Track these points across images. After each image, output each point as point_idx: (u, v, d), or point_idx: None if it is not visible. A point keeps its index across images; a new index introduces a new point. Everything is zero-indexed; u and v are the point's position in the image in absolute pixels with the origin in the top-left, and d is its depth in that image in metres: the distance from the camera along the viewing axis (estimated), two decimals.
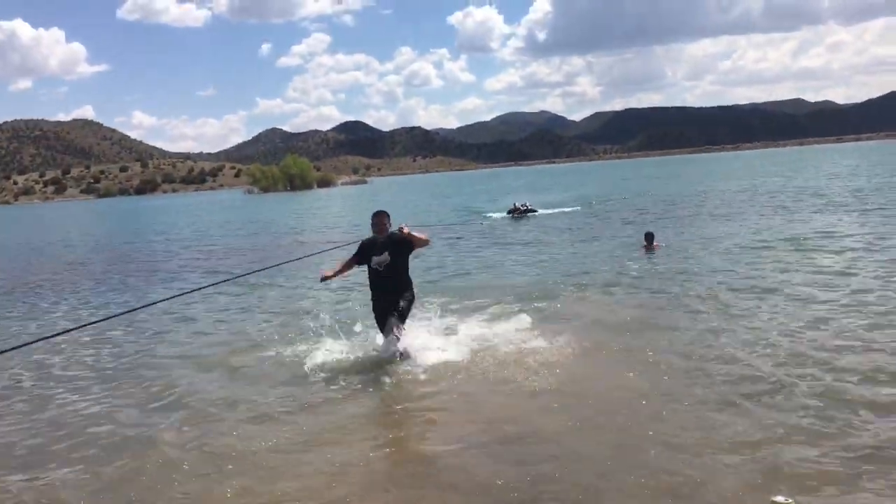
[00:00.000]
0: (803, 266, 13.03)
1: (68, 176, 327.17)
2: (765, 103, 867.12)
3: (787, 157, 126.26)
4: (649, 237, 17.44)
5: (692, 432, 5.71)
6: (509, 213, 31.71)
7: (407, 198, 66.63)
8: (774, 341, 8.15)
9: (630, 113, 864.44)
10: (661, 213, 27.92)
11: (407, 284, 8.40)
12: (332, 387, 7.62)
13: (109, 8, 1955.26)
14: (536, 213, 31.34)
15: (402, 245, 8.33)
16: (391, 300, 8.22)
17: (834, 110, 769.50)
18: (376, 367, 8.08)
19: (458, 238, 22.87)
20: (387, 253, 8.27)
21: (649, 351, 8.16)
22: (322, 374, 8.02)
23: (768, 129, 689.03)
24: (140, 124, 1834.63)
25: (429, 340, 8.55)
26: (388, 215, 8.54)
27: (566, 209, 33.48)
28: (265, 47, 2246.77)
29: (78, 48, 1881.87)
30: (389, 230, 8.46)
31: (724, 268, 13.61)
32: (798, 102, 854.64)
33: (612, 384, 7.15)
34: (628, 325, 9.54)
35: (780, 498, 2.06)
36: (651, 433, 5.75)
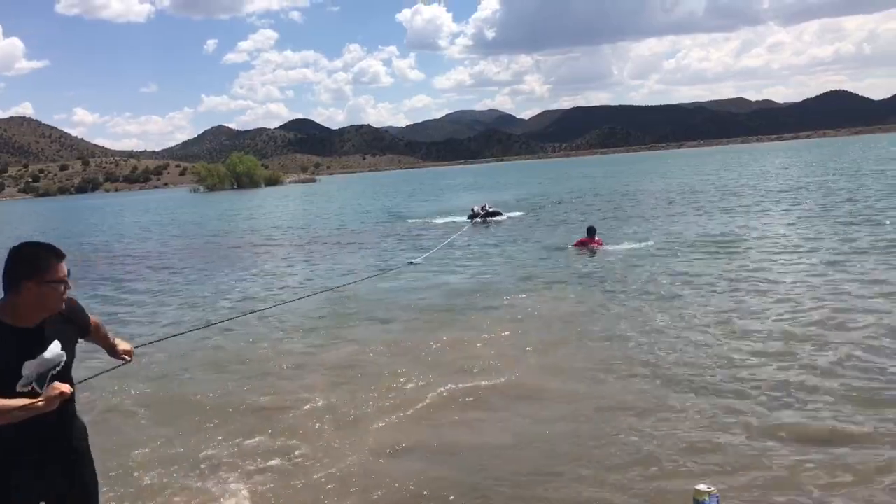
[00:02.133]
0: (729, 263, 13.91)
1: (6, 175, 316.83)
2: (708, 102, 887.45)
3: (728, 154, 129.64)
4: (591, 231, 17.54)
5: (624, 425, 6.19)
6: (470, 218, 27.90)
7: (349, 198, 66.41)
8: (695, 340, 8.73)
9: (578, 111, 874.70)
10: (603, 211, 28.77)
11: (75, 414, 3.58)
12: None
13: (48, 2, 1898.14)
14: (502, 218, 28.13)
15: (80, 327, 3.58)
16: (62, 458, 3.44)
17: (774, 109, 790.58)
18: None
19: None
20: (58, 345, 3.36)
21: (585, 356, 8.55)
22: None
23: (712, 128, 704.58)
24: (81, 121, 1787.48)
25: None
26: (60, 254, 3.34)
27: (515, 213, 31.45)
28: (210, 43, 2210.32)
29: (16, 43, 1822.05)
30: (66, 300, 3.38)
31: (658, 266, 14.28)
32: (740, 101, 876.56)
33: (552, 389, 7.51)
34: (563, 327, 10.01)
35: (702, 486, 2.24)
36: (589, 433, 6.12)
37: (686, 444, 5.70)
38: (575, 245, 17.56)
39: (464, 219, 28.72)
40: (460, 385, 7.54)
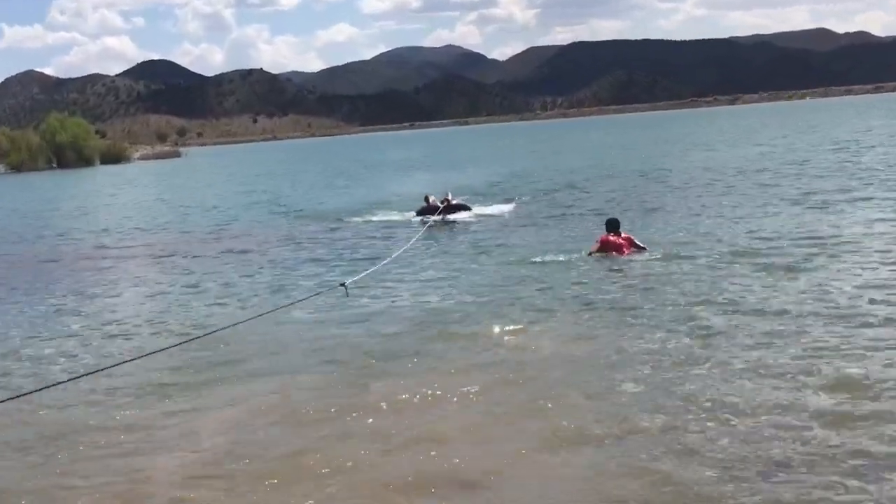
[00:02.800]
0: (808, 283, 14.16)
1: None
2: (773, 35, 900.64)
3: (804, 113, 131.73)
4: (613, 225, 17.92)
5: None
6: (422, 214, 28.26)
7: (231, 181, 66.18)
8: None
9: (580, 49, 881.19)
10: (623, 203, 29.05)
11: None
12: None
13: None
14: (468, 216, 28.31)
15: None
16: None
17: (870, 45, 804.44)
18: None
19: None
20: None
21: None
22: None
23: (780, 74, 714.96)
24: None
25: None
26: None
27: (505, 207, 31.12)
28: None
29: None
30: None
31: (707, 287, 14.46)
32: (821, 34, 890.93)
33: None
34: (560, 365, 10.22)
35: None
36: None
37: None
38: (594, 251, 17.79)
39: (411, 215, 28.94)
40: (393, 480, 7.51)
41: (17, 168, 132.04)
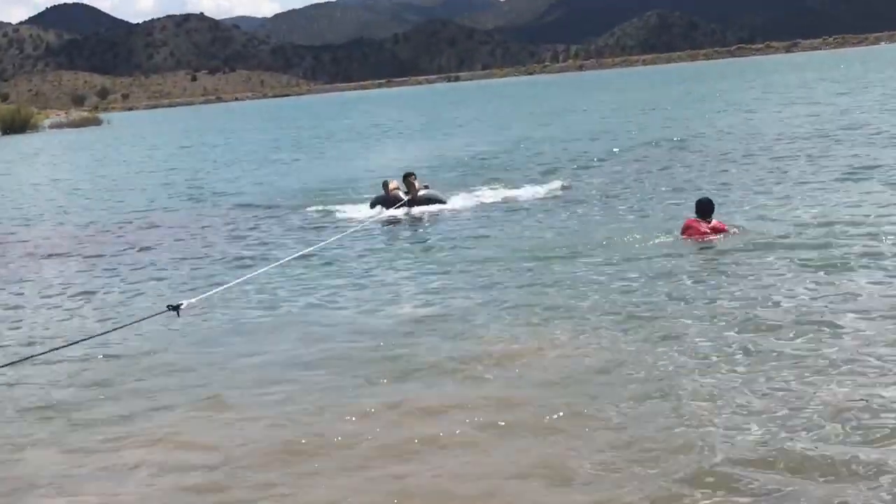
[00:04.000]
0: None
1: None
2: None
3: (878, 62, 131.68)
4: (704, 208, 17.69)
5: None
6: (376, 205, 26.87)
7: (158, 154, 65.84)
8: None
9: None
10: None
11: None
12: None
13: None
14: (441, 209, 26.41)
15: None
16: None
17: None
18: None
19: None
20: None
21: None
22: None
23: (844, 16, 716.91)
24: None
25: None
26: None
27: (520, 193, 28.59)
28: None
29: None
30: None
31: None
32: None
33: None
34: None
35: None
36: None
37: None
38: (684, 234, 17.65)
39: (363, 207, 27.61)
40: None
41: None
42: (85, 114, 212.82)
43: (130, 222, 30.39)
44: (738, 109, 56.72)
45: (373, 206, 26.64)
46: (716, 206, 17.92)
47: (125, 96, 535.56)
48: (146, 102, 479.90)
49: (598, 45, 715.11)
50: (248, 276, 16.11)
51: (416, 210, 25.85)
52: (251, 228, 26.79)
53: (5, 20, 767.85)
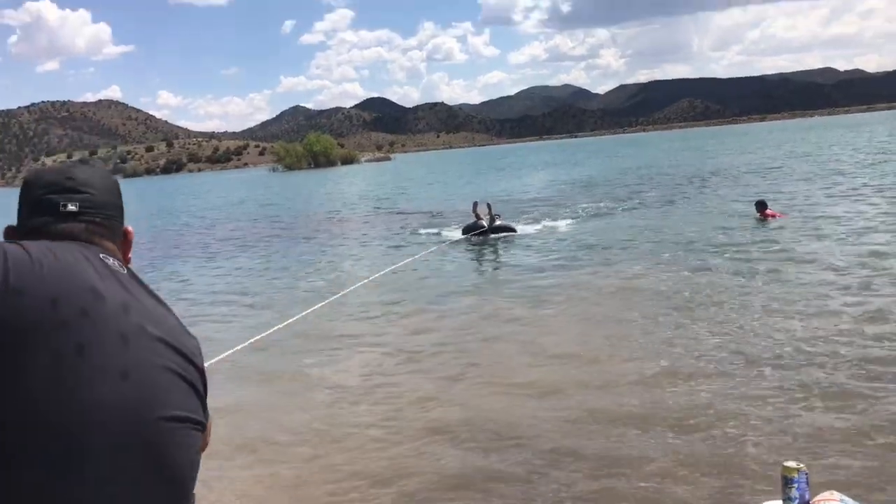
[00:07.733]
0: None
1: (95, 156, 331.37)
2: (793, 73, 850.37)
3: (823, 128, 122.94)
4: (761, 206, 15.55)
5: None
6: (468, 232, 16.96)
7: (429, 175, 65.27)
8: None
9: (655, 85, 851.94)
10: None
11: None
12: None
13: None
14: (515, 233, 17.00)
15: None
16: None
17: (865, 78, 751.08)
18: None
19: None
20: None
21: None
22: None
23: (796, 100, 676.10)
24: (166, 104, 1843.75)
25: None
26: None
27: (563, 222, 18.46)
28: (287, 24, 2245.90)
29: (104, 28, 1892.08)
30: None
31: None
32: (827, 72, 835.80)
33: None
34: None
35: (791, 463, 2.11)
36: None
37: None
38: (760, 214, 15.38)
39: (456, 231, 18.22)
40: None
41: (289, 168, 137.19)
42: (381, 154, 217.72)
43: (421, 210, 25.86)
44: (737, 152, 52.82)
45: (465, 231, 17.22)
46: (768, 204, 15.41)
47: (402, 145, 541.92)
48: (413, 149, 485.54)
49: (654, 118, 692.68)
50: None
51: (495, 236, 16.75)
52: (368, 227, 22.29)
53: (343, 106, 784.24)
